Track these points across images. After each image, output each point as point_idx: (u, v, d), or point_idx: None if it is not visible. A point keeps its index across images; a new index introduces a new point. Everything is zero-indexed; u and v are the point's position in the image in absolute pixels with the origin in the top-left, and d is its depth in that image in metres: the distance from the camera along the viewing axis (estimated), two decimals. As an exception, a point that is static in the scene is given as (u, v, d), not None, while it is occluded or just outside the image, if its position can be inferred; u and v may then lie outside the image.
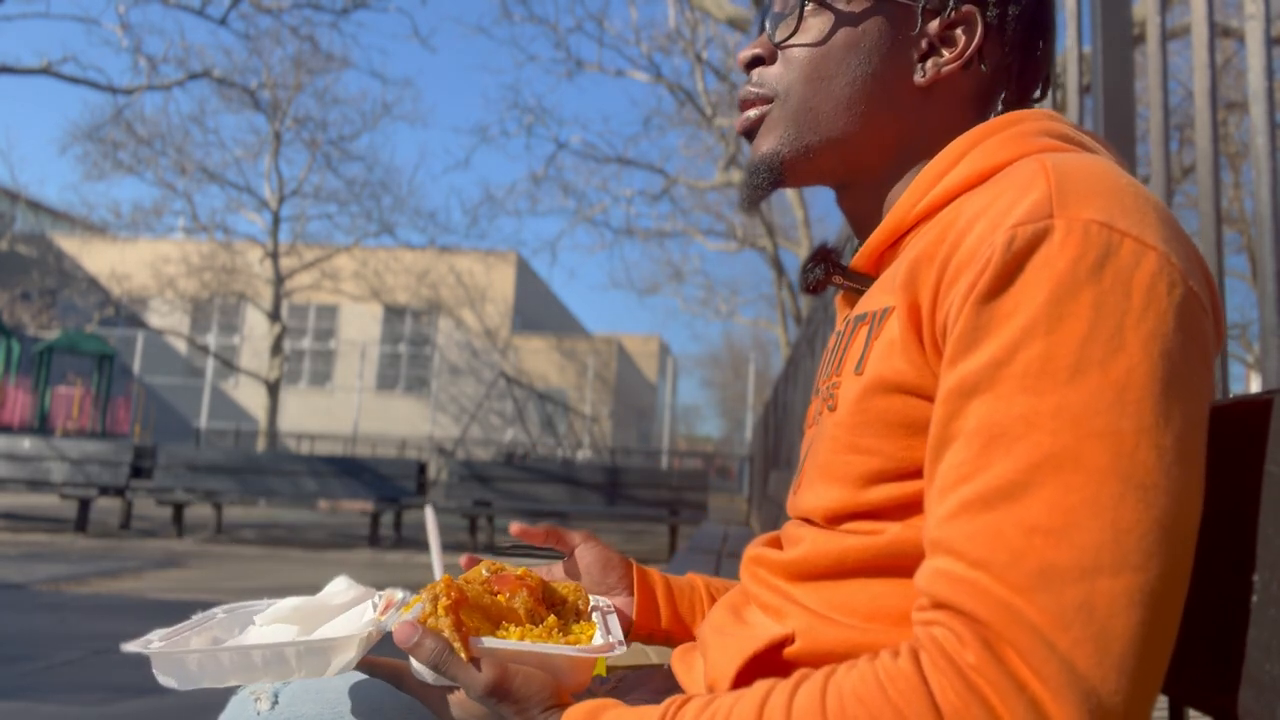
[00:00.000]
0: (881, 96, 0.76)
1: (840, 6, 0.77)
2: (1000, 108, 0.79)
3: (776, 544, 0.78)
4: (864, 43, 0.76)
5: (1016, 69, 0.78)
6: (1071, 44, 1.70)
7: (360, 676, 0.89)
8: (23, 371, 14.51)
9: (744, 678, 0.70)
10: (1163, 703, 0.86)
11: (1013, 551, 0.50)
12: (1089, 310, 0.53)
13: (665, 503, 9.07)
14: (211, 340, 23.40)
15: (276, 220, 20.02)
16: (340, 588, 0.85)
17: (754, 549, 0.79)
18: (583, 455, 21.52)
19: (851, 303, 0.82)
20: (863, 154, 0.78)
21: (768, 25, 0.81)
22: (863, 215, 0.80)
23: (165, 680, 0.72)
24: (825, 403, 0.73)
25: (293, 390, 23.13)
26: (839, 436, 0.68)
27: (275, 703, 0.85)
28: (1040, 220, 0.56)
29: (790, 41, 0.78)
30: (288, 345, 22.45)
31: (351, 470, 9.41)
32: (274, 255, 19.82)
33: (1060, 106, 2.32)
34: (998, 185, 0.61)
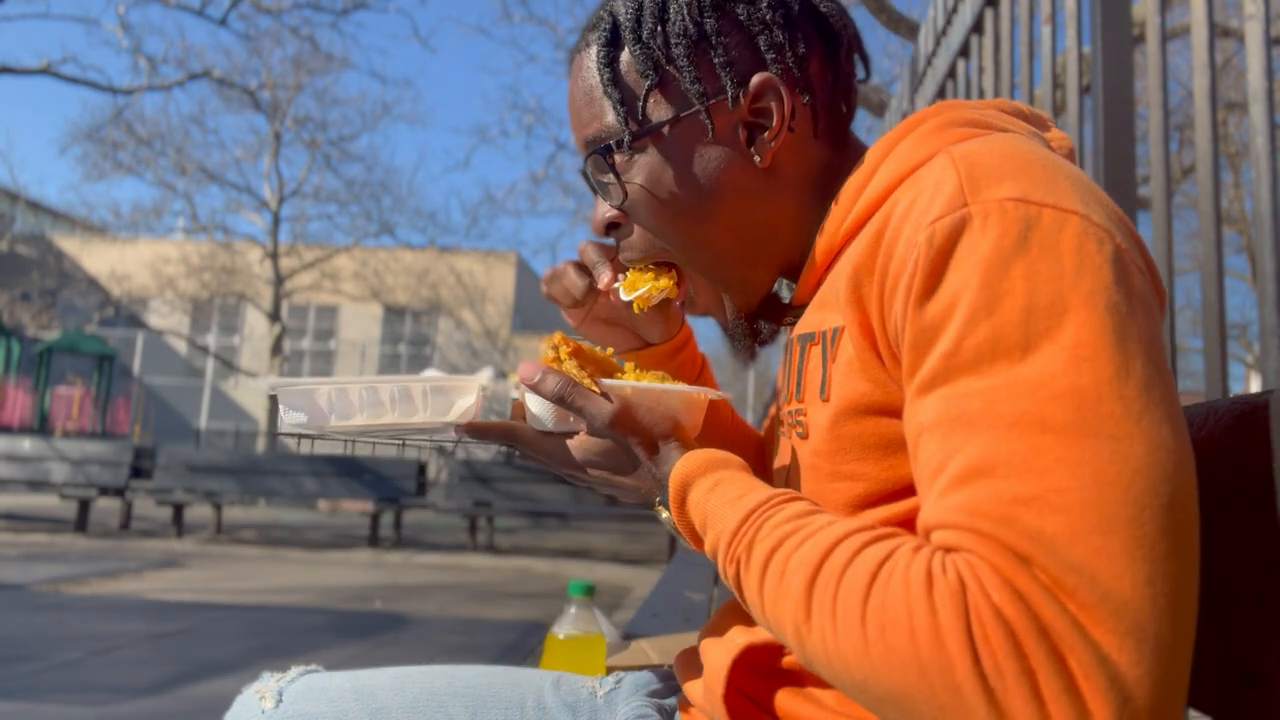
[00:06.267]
0: (747, 200, 0.75)
1: (646, 156, 0.76)
2: (845, 115, 0.80)
3: None
4: (691, 170, 0.75)
5: (829, 83, 0.78)
6: (1071, 44, 1.70)
7: (364, 675, 0.89)
8: (23, 372, 14.50)
9: (738, 669, 0.71)
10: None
11: (997, 519, 0.49)
12: (1023, 283, 0.53)
13: (665, 503, 9.06)
14: (211, 340, 23.39)
15: (276, 220, 20.02)
16: (433, 373, 0.85)
17: None
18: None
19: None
20: (775, 246, 0.78)
21: (599, 191, 0.81)
22: (796, 270, 0.80)
23: (292, 418, 0.74)
24: (793, 429, 0.73)
25: (293, 390, 23.09)
26: (819, 466, 0.68)
27: (280, 701, 0.85)
28: (956, 211, 0.56)
29: (627, 204, 0.78)
30: (288, 346, 22.45)
31: (351, 470, 9.41)
32: (274, 255, 19.82)
33: (1060, 106, 2.32)
34: (916, 185, 0.61)
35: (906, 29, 6.03)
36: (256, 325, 22.92)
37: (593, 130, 0.78)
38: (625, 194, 0.78)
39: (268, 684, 0.88)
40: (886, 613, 0.50)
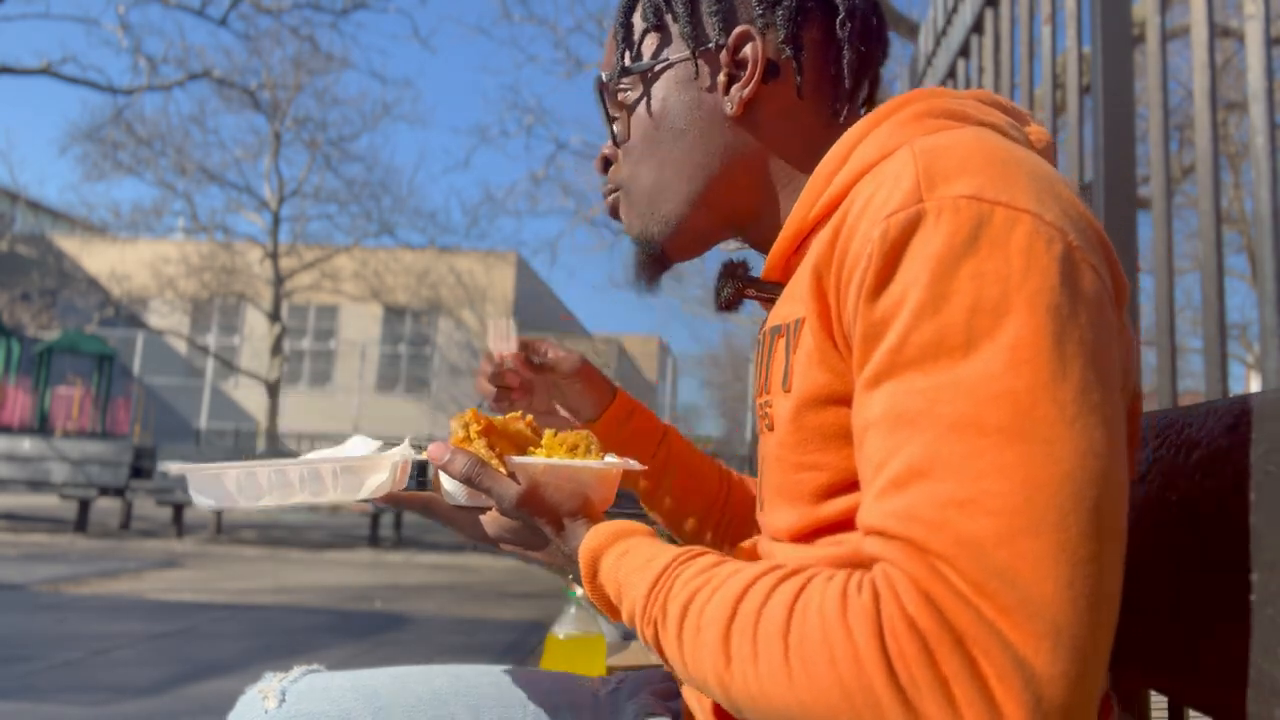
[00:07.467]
0: (707, 144, 0.78)
1: (635, 93, 0.82)
2: (849, 81, 0.78)
3: (754, 556, 0.78)
4: (669, 109, 0.80)
5: (829, 51, 0.78)
6: (1071, 44, 1.70)
7: (366, 674, 0.89)
8: (23, 372, 14.49)
9: None
10: (1162, 702, 0.86)
11: (929, 525, 0.50)
12: (970, 283, 0.53)
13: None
14: (211, 341, 23.38)
15: (276, 220, 20.03)
16: (358, 443, 0.87)
17: None
18: (583, 455, 21.46)
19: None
20: (728, 198, 0.80)
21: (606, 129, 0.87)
22: (765, 239, 0.81)
23: (202, 500, 0.76)
24: (763, 421, 0.73)
25: (293, 390, 23.12)
26: (784, 456, 0.69)
27: (283, 700, 0.85)
28: (910, 207, 0.56)
29: (621, 138, 0.84)
30: (287, 345, 22.44)
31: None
32: (274, 255, 19.83)
33: (1060, 106, 2.32)
34: (877, 178, 0.62)
35: (906, 29, 6.03)
36: (256, 325, 22.91)
37: (605, 70, 0.84)
38: (615, 128, 0.84)
39: (270, 684, 0.88)
40: (807, 645, 0.51)
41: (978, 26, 2.40)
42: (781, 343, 0.70)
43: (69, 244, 23.70)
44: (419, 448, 0.81)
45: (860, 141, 0.69)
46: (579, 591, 1.40)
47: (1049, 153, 0.72)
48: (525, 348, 1.01)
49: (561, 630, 1.35)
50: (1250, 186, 7.11)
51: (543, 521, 0.72)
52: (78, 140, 19.69)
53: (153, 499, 9.37)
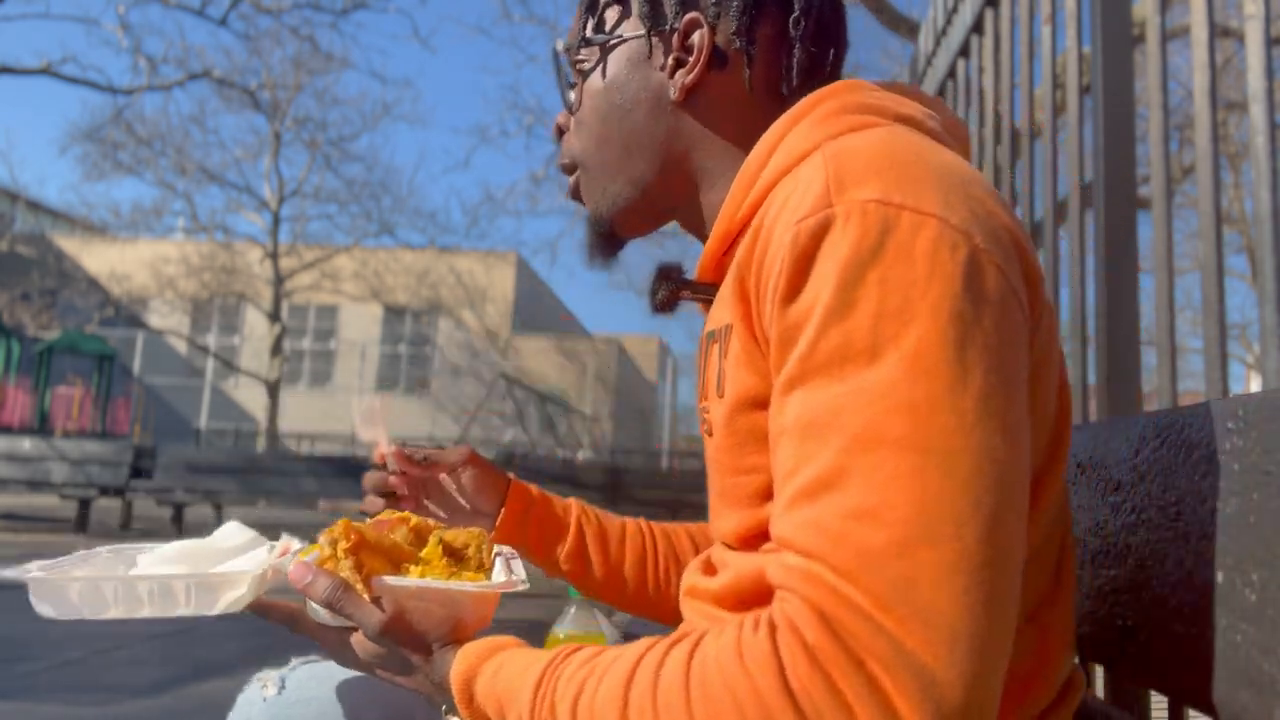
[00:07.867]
0: (651, 125, 0.79)
1: (591, 64, 0.82)
2: (795, 80, 0.77)
3: (709, 566, 0.78)
4: (619, 84, 0.80)
5: (783, 53, 0.77)
6: (1071, 44, 1.70)
7: None
8: (23, 371, 14.50)
9: None
10: (1162, 702, 0.86)
11: (833, 538, 0.50)
12: (876, 289, 0.53)
13: (665, 503, 9.07)
14: (211, 340, 23.41)
15: (276, 220, 20.07)
16: (230, 531, 0.83)
17: (688, 578, 0.79)
18: (583, 455, 21.52)
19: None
20: (666, 182, 0.80)
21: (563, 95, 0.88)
22: (701, 230, 0.81)
23: (42, 609, 0.71)
24: (703, 428, 0.73)
25: (293, 390, 23.14)
26: (723, 461, 0.69)
27: (282, 688, 0.86)
28: (820, 211, 0.56)
29: (574, 106, 0.84)
30: (288, 345, 22.46)
31: (351, 470, 9.42)
32: (274, 255, 19.86)
33: (1060, 106, 2.32)
34: (793, 181, 0.62)
35: (906, 29, 6.04)
36: (256, 325, 22.93)
37: (569, 37, 0.85)
38: (570, 95, 0.84)
39: (268, 674, 0.89)
40: (710, 702, 0.50)
41: (978, 26, 2.40)
42: (715, 348, 0.70)
43: (69, 244, 23.72)
44: (304, 543, 0.77)
45: (780, 140, 0.69)
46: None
47: (965, 143, 0.72)
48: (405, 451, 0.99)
49: (561, 629, 1.35)
50: (1250, 186, 7.11)
51: (408, 650, 0.68)
52: (78, 140, 19.83)
53: (153, 499, 9.37)
